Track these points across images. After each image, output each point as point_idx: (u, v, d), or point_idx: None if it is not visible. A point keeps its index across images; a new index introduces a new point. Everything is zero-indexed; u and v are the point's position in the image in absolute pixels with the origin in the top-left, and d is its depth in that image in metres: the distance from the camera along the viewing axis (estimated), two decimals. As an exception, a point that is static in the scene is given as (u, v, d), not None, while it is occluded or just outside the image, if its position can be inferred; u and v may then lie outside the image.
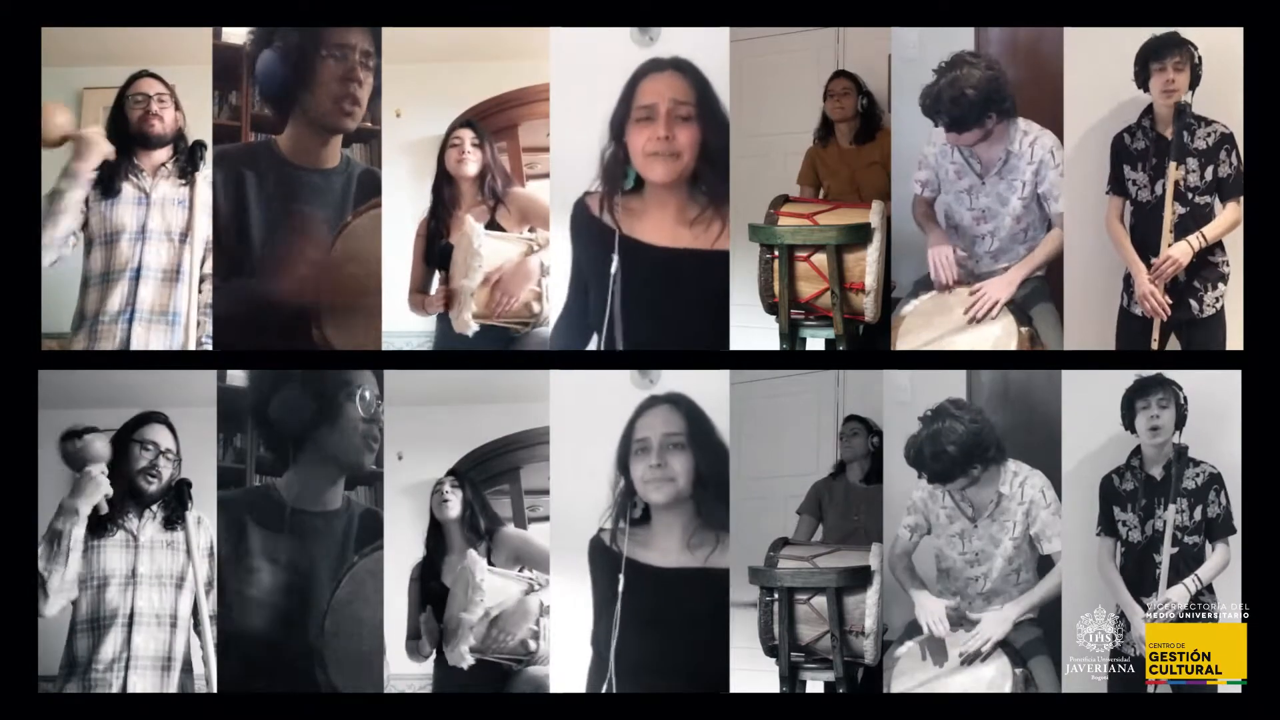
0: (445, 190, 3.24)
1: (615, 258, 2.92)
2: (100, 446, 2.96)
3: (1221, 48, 2.94)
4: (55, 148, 3.08)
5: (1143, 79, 2.97)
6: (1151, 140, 2.99)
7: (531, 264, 3.12)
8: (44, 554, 2.90)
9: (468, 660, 2.94)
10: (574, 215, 3.02)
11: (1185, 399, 2.88)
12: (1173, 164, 2.95)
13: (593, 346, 3.01)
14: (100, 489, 2.94)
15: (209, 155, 3.15)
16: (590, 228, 2.98)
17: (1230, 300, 2.99)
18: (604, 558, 2.91)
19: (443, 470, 3.14)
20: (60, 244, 3.07)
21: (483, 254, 3.07)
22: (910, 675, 2.90)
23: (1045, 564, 2.97)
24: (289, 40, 3.17)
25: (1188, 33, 2.93)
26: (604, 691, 2.84)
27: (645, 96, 2.88)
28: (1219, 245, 2.98)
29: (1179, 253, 2.95)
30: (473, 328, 3.10)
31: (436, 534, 3.11)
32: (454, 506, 3.08)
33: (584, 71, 3.06)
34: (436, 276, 3.24)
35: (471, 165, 3.21)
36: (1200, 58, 2.93)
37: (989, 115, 2.98)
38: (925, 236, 3.18)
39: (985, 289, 3.05)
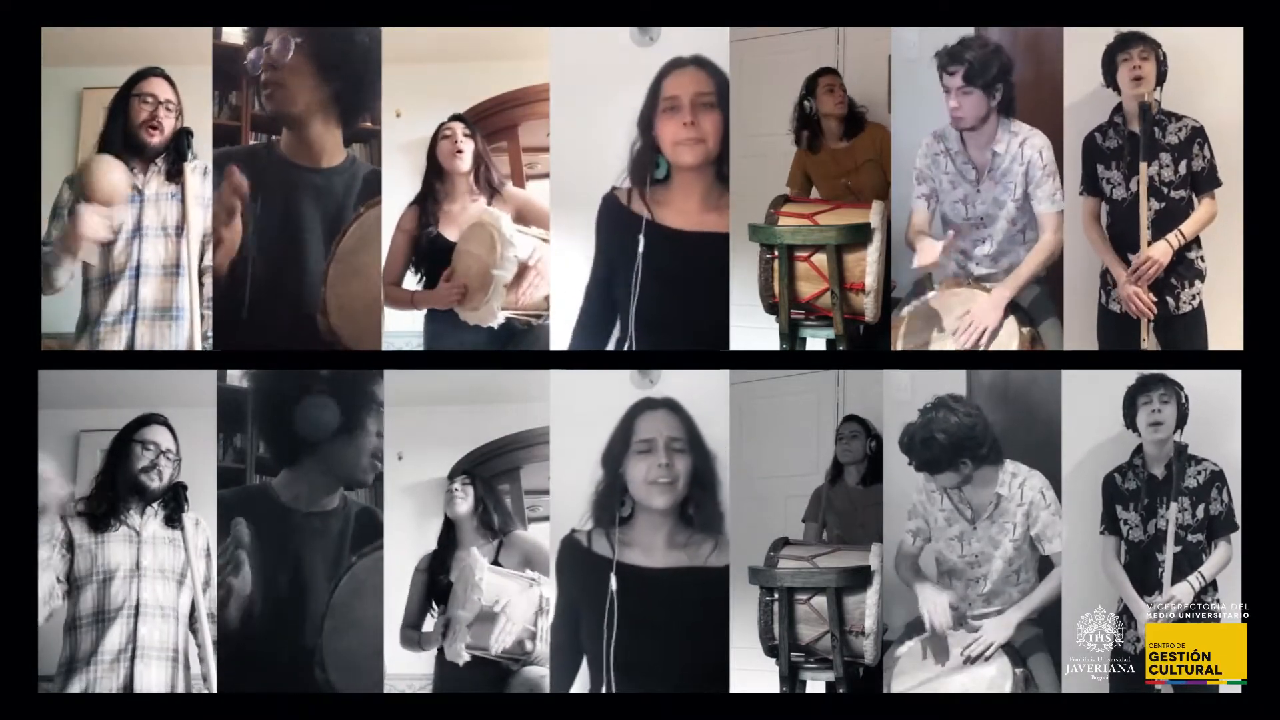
0: (436, 184, 3.23)
1: (641, 239, 2.98)
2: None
3: (1184, 45, 2.96)
4: (84, 201, 3.06)
5: (1110, 75, 2.98)
6: (1124, 138, 3.00)
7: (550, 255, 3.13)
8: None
9: (464, 657, 2.94)
10: (602, 209, 3.06)
11: (1186, 396, 2.88)
12: (1144, 164, 2.95)
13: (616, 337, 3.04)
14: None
15: (195, 146, 3.13)
16: (620, 219, 3.03)
17: (1209, 296, 3.00)
18: (578, 558, 2.91)
19: (443, 470, 3.14)
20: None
21: (515, 243, 3.07)
22: (910, 675, 2.90)
23: (1046, 565, 2.97)
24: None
25: (1152, 32, 2.95)
26: (587, 692, 2.86)
27: (670, 89, 2.98)
28: (1195, 241, 2.99)
29: (1158, 253, 2.96)
30: (499, 319, 3.09)
31: (449, 530, 3.11)
32: (464, 504, 3.08)
33: (584, 71, 3.06)
34: (410, 275, 3.23)
35: (465, 158, 3.20)
36: (1165, 54, 2.94)
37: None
38: (912, 245, 3.15)
39: (973, 318, 3.02)
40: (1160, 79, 2.95)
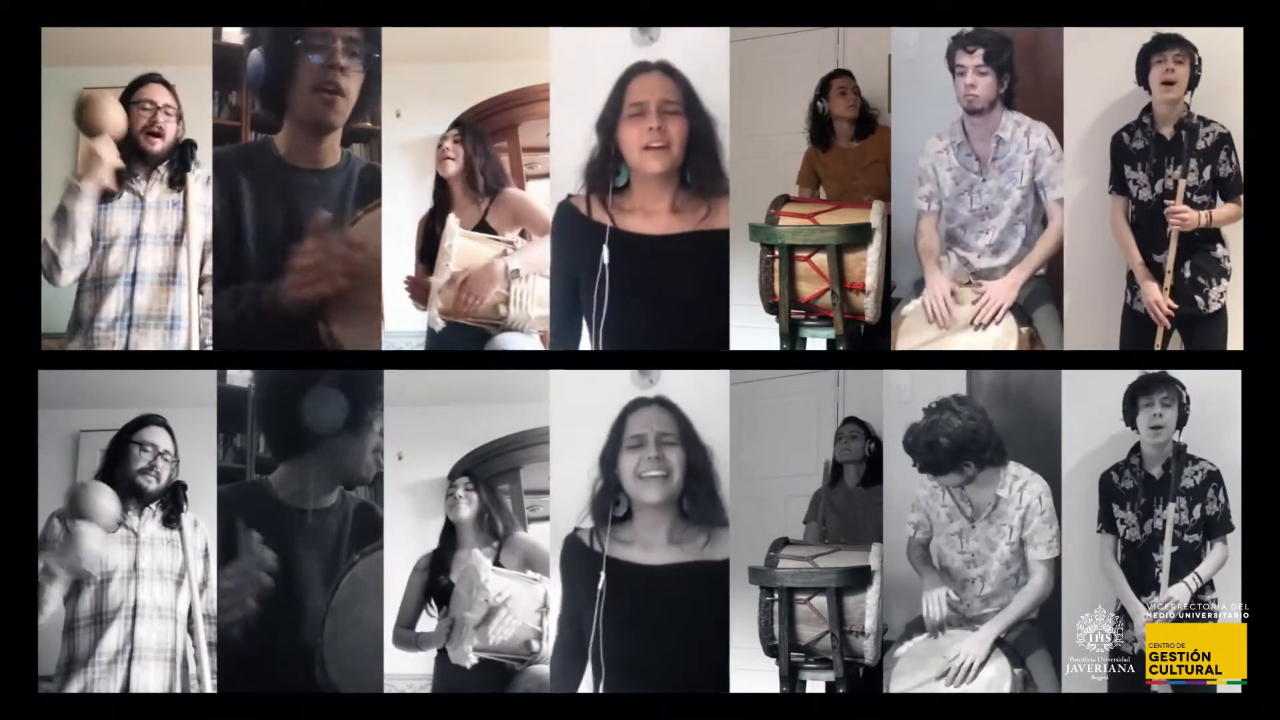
0: (439, 191, 3.27)
1: (605, 249, 2.94)
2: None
3: (1220, 49, 2.94)
4: (89, 137, 3.07)
5: (1143, 75, 2.98)
6: (1151, 139, 3.00)
7: (497, 267, 3.12)
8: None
9: (471, 659, 2.94)
10: (559, 217, 3.04)
11: (1188, 398, 2.88)
12: (1180, 177, 2.95)
13: (584, 346, 3.02)
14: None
15: (198, 154, 3.13)
16: (578, 228, 2.99)
17: (1232, 297, 2.99)
18: (581, 557, 2.90)
19: (443, 470, 3.13)
20: (82, 260, 3.08)
21: (451, 254, 3.08)
22: (910, 675, 2.90)
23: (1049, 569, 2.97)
24: (272, 39, 3.14)
25: (1189, 34, 2.93)
26: (593, 691, 2.85)
27: (636, 94, 2.94)
28: (1222, 241, 2.98)
29: (1189, 213, 2.94)
30: (439, 324, 3.12)
31: (449, 532, 3.11)
32: (468, 509, 3.08)
33: (584, 71, 3.06)
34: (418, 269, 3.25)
35: (450, 165, 3.22)
36: (1200, 59, 2.93)
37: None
38: (922, 265, 3.15)
39: (989, 294, 3.05)
40: (1193, 83, 2.95)
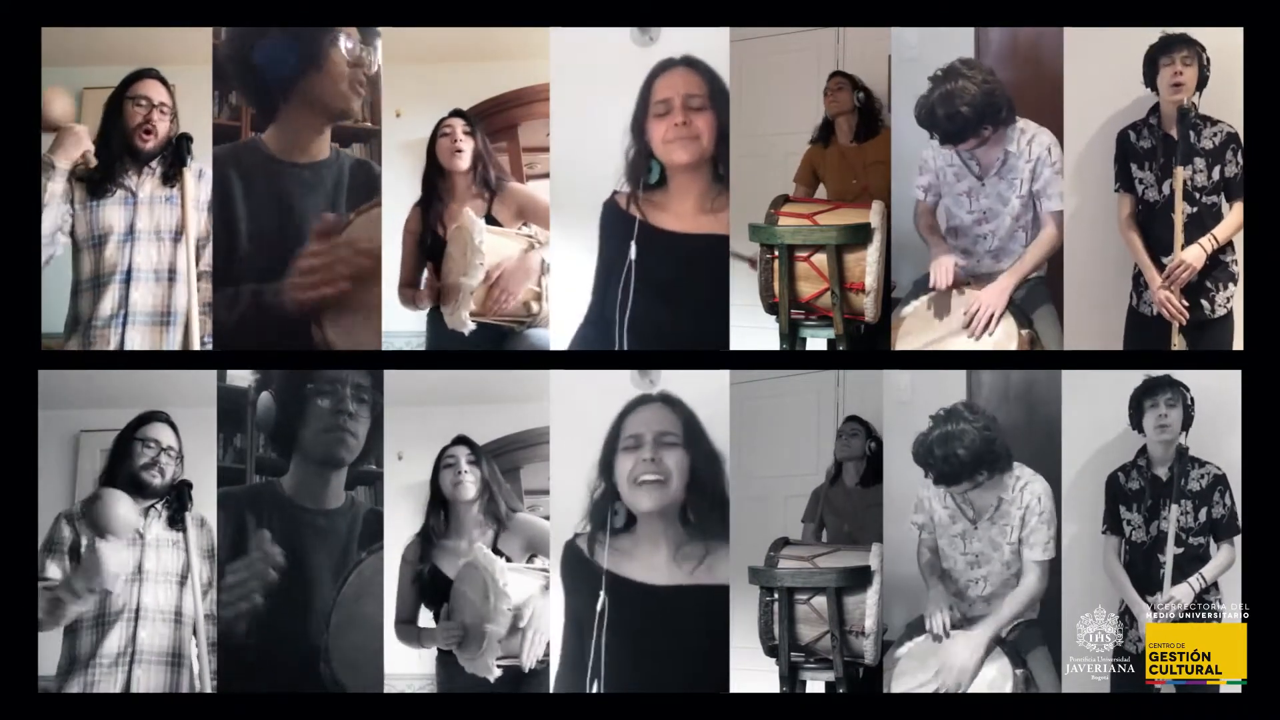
0: (438, 183, 3.22)
1: (633, 245, 2.98)
2: None
3: (1227, 48, 2.94)
4: (47, 133, 3.08)
5: (1150, 76, 2.97)
6: (1158, 139, 2.99)
7: (532, 261, 3.11)
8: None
9: (495, 673, 2.86)
10: (604, 214, 3.06)
11: (1192, 399, 2.88)
12: (1179, 169, 2.94)
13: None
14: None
15: (195, 149, 3.12)
16: (619, 224, 3.02)
17: (1238, 301, 2.99)
18: (580, 567, 2.86)
19: (443, 470, 3.13)
20: (48, 241, 3.07)
21: (484, 250, 3.05)
22: (910, 675, 2.90)
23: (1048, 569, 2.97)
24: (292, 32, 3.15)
25: (1196, 33, 2.93)
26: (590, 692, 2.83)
27: (660, 93, 2.98)
28: (1229, 245, 2.97)
29: (1192, 257, 2.94)
30: (469, 326, 3.09)
31: (441, 511, 3.06)
32: (470, 487, 3.03)
33: (584, 71, 3.07)
34: (426, 270, 3.22)
35: (465, 156, 3.20)
36: (1209, 59, 2.92)
37: (985, 127, 2.97)
38: (928, 248, 3.15)
39: (980, 301, 3.03)
40: (1201, 83, 2.93)
